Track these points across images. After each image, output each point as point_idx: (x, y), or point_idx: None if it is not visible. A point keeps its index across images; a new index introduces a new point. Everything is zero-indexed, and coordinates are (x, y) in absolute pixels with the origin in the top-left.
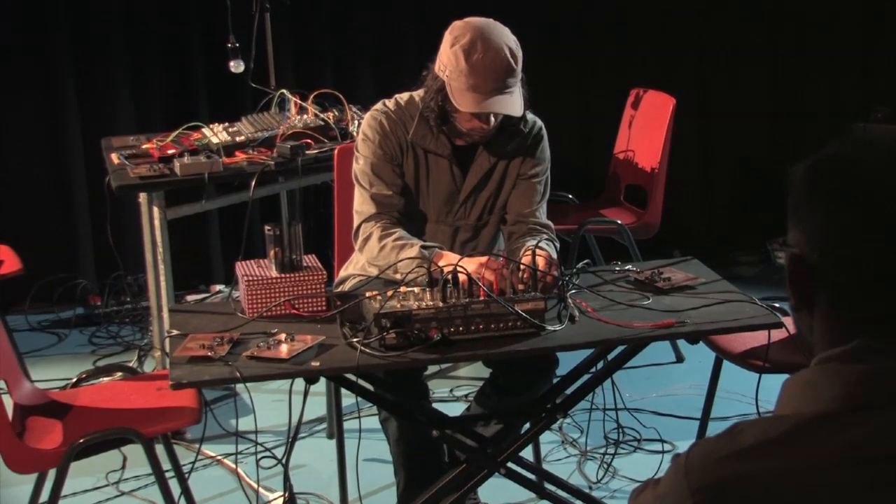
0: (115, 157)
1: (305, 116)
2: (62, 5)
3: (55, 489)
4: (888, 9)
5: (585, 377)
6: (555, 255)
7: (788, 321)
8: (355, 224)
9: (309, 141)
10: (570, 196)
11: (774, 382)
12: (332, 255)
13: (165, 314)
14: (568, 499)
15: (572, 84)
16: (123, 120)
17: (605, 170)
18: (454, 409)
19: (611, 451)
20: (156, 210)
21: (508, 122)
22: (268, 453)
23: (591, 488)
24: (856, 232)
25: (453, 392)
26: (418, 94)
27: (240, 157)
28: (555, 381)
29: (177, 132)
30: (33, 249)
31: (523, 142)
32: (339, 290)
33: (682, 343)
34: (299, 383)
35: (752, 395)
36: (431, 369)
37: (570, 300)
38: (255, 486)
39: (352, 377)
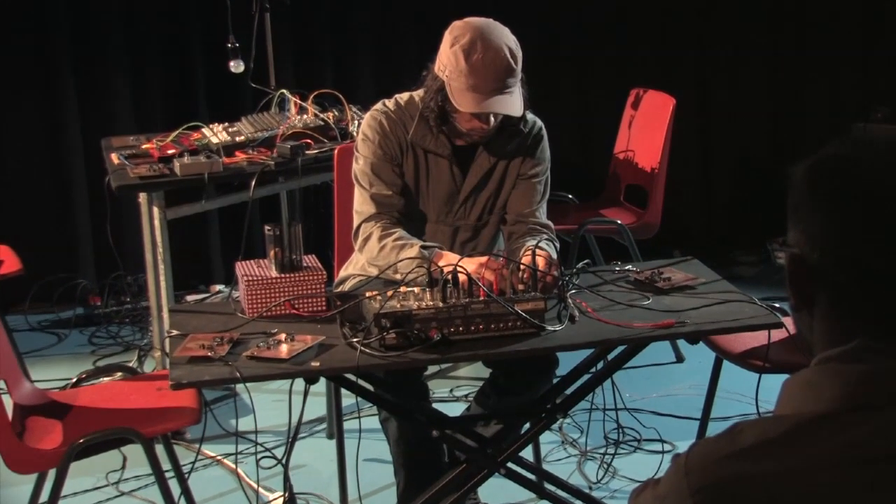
0: (115, 157)
1: (305, 116)
2: (62, 5)
3: (55, 489)
4: (888, 9)
5: (585, 377)
6: (555, 255)
7: (788, 321)
8: (355, 224)
9: (309, 141)
10: (570, 196)
11: (774, 382)
12: (332, 255)
13: (165, 314)
14: (568, 499)
15: (572, 84)
16: (123, 120)
17: (605, 170)
18: (454, 409)
19: (611, 451)
20: (156, 210)
21: (508, 122)
22: (268, 453)
23: (591, 488)
24: (856, 232)
25: (453, 392)
26: (418, 94)
27: (240, 157)
28: (555, 381)
29: (177, 132)
30: (33, 249)
31: (523, 142)
32: (339, 290)
33: (682, 343)
34: (299, 383)
35: (752, 395)
36: (431, 369)
37: (570, 300)
38: (255, 486)
39: (352, 377)
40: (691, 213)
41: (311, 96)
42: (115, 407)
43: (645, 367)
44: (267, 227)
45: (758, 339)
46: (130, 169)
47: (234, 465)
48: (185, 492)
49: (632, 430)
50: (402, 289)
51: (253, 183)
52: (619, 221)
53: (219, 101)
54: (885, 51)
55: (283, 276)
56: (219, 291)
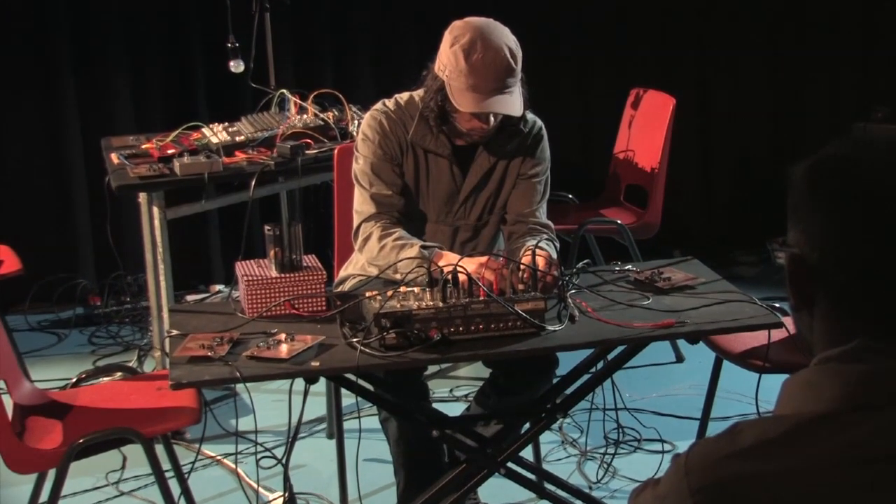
0: (114, 157)
1: (305, 116)
2: (62, 5)
3: (55, 489)
4: (888, 9)
5: (585, 377)
6: (555, 255)
7: (788, 321)
8: (355, 224)
9: (309, 141)
10: (570, 196)
11: (774, 382)
12: (332, 255)
13: (165, 314)
14: (568, 499)
15: (572, 84)
16: (123, 120)
17: (605, 170)
18: (454, 409)
19: (611, 451)
20: (155, 210)
21: (508, 122)
22: (268, 453)
23: (591, 488)
24: (856, 232)
25: (453, 392)
26: (418, 93)
27: (239, 156)
28: (555, 381)
29: (176, 132)
30: (33, 249)
31: (523, 142)
32: (339, 290)
33: (682, 343)
34: (299, 383)
35: (752, 395)
36: (431, 369)
37: (570, 300)
38: (255, 486)
39: (352, 377)
40: (691, 213)
41: (311, 96)
42: (115, 407)
43: (645, 367)
44: (267, 227)
45: (758, 339)
46: (130, 169)
47: (234, 465)
48: (185, 492)
49: (632, 430)
50: (402, 289)
51: (253, 183)
52: (619, 221)
53: (219, 101)
54: (885, 51)
55: (283, 276)
56: (219, 291)
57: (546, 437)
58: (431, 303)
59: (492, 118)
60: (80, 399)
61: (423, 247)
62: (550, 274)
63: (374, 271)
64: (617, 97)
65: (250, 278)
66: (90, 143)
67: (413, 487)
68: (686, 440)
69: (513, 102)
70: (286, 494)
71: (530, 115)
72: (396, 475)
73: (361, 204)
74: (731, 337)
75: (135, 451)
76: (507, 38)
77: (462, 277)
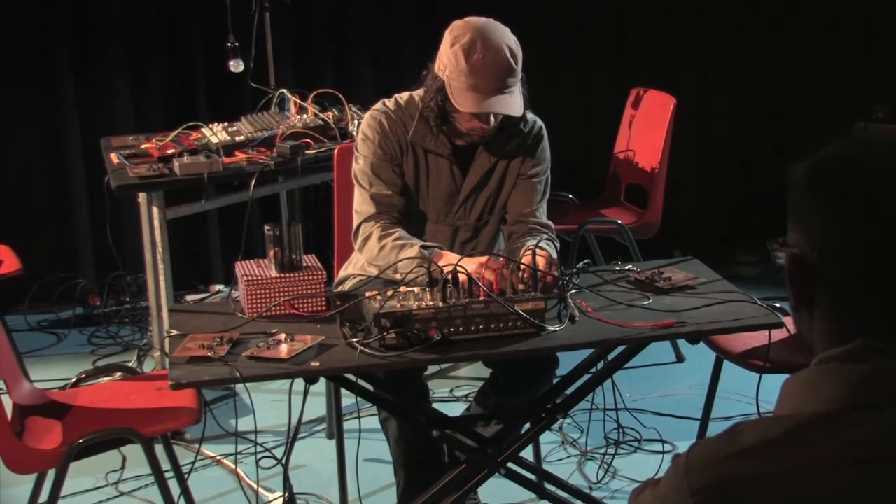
0: (114, 157)
1: (305, 116)
2: (62, 5)
3: (54, 489)
4: (888, 9)
5: (585, 377)
6: (555, 255)
7: (788, 321)
8: (355, 224)
9: (308, 141)
10: (570, 196)
11: (775, 382)
12: (332, 255)
13: (165, 314)
14: (568, 499)
15: (572, 84)
16: (123, 120)
17: (605, 170)
18: (454, 409)
19: (611, 451)
20: (155, 210)
21: (508, 122)
22: (267, 453)
23: (591, 488)
24: (856, 232)
25: (453, 392)
26: (418, 93)
27: (239, 156)
28: (555, 381)
29: (176, 132)
30: (33, 249)
31: (523, 141)
32: (339, 290)
33: (682, 343)
34: (299, 383)
35: (752, 395)
36: (431, 369)
37: (570, 300)
38: (254, 486)
39: (351, 377)
40: (691, 213)
41: (311, 96)
42: (115, 407)
43: (645, 367)
44: (267, 227)
45: (758, 339)
46: (130, 169)
47: (233, 466)
48: (185, 492)
49: (632, 430)
50: (402, 289)
51: (252, 183)
52: (619, 221)
53: (218, 101)
54: (885, 51)
55: (282, 276)
56: (218, 291)
57: (546, 438)
58: (431, 303)
59: (492, 118)
60: (80, 399)
61: (423, 247)
62: (550, 274)
63: (374, 271)
64: (617, 97)
65: (250, 278)
66: (90, 143)
67: (413, 487)
68: (686, 440)
69: (513, 102)
70: (286, 494)
71: (530, 115)
72: (396, 475)
73: (361, 204)
74: (731, 337)
75: (134, 452)
76: (507, 38)
77: (462, 277)
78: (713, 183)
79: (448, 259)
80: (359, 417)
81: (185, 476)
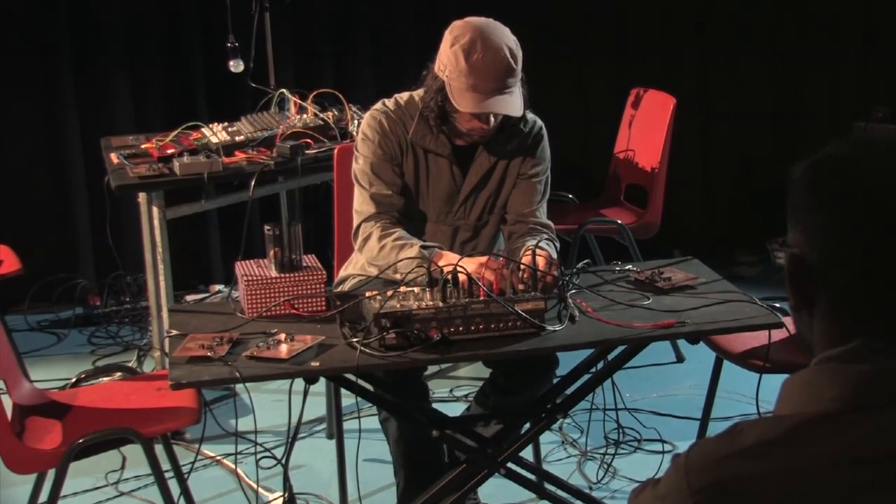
0: (114, 157)
1: (305, 116)
2: (62, 5)
3: (54, 489)
4: (888, 9)
5: (585, 377)
6: (555, 255)
7: (788, 321)
8: (355, 224)
9: (308, 140)
10: (570, 196)
11: (775, 382)
12: (332, 255)
13: (165, 314)
14: (568, 499)
15: (572, 84)
16: (123, 119)
17: (605, 170)
18: (454, 409)
19: (611, 451)
20: (155, 210)
21: (508, 122)
22: (267, 453)
23: (591, 488)
24: (855, 232)
25: (453, 392)
26: (418, 93)
27: (239, 156)
28: (555, 381)
29: (176, 132)
30: (33, 249)
31: (523, 141)
32: (339, 290)
33: (682, 343)
34: (299, 383)
35: (752, 395)
36: (431, 369)
37: (570, 300)
38: (254, 486)
39: (351, 377)
40: (691, 213)
41: (311, 96)
42: (115, 407)
43: (645, 367)
44: (267, 227)
45: (758, 339)
46: (130, 168)
47: (233, 466)
48: (185, 492)
49: (632, 430)
50: (402, 289)
51: (252, 183)
52: (619, 221)
53: (218, 101)
54: (885, 51)
55: (282, 276)
56: (218, 291)
57: (546, 438)
58: (431, 303)
59: (492, 118)
60: (80, 399)
61: (422, 247)
62: (550, 274)
63: (373, 271)
64: (617, 97)
65: (250, 278)
66: (90, 143)
67: (413, 487)
68: (686, 440)
69: (513, 102)
70: (286, 494)
71: (530, 115)
72: (396, 475)
73: (361, 204)
74: (731, 337)
75: (134, 452)
76: (507, 38)
77: (462, 277)
78: (713, 183)
79: (448, 259)
80: (359, 417)
81: (185, 476)
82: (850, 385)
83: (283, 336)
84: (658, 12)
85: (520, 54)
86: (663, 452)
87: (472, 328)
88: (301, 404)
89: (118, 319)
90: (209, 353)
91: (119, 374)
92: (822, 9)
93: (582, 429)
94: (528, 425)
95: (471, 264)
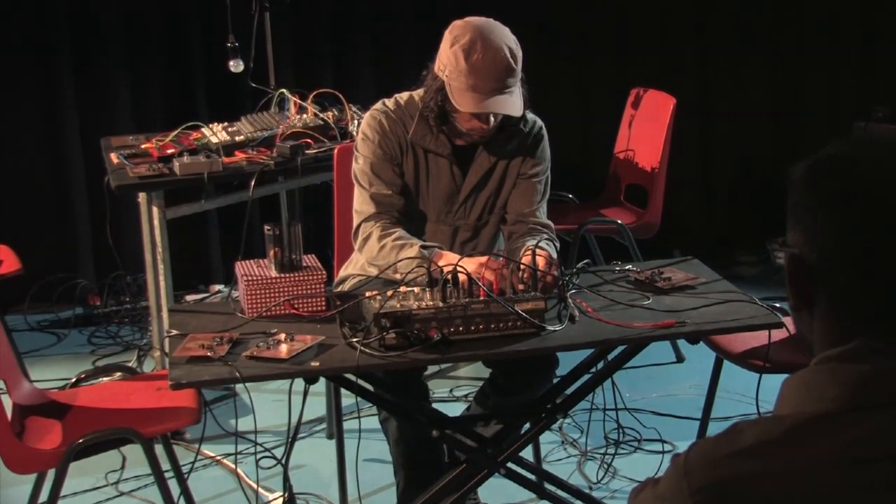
0: (114, 157)
1: (305, 116)
2: (62, 5)
3: (54, 489)
4: (888, 9)
5: (585, 377)
6: (555, 255)
7: (788, 321)
8: (355, 224)
9: (308, 140)
10: (570, 196)
11: (775, 382)
12: (331, 255)
13: (165, 314)
14: (568, 499)
15: (572, 84)
16: (123, 119)
17: (605, 170)
18: (454, 409)
19: (611, 451)
20: (155, 210)
21: (508, 122)
22: (267, 453)
23: (591, 488)
24: (855, 232)
25: (453, 392)
26: (418, 93)
27: (239, 156)
28: (555, 381)
29: (176, 132)
30: (33, 249)
31: (523, 141)
32: (339, 290)
33: (682, 343)
34: (299, 383)
35: (752, 395)
36: (431, 369)
37: (570, 300)
38: (254, 486)
39: (351, 377)
40: (691, 213)
41: (311, 96)
42: (115, 407)
43: (645, 367)
44: (267, 227)
45: (758, 338)
46: (130, 168)
47: (233, 465)
48: (185, 492)
49: (632, 430)
50: (402, 289)
51: (252, 183)
52: (619, 221)
53: (218, 101)
54: (885, 51)
55: (282, 275)
56: (218, 291)
57: (546, 438)
58: (431, 303)
59: (492, 118)
60: (80, 399)
61: (422, 247)
62: (550, 274)
63: (373, 271)
64: (617, 97)
65: (250, 278)
66: (90, 142)
67: (413, 487)
68: (686, 440)
69: (513, 102)
70: (286, 494)
71: (530, 115)
72: (396, 475)
73: (361, 204)
74: (731, 337)
75: (134, 452)
76: (507, 38)
77: (462, 277)
78: (713, 183)
79: (448, 259)
80: (359, 417)
81: (185, 476)
82: (849, 385)
83: (283, 336)
84: (658, 12)
85: (520, 54)
86: (663, 452)
87: (472, 328)
88: (301, 404)
89: (118, 319)
90: (209, 353)
91: (119, 374)
92: (822, 9)
93: (582, 429)
94: (528, 425)
95: (471, 264)
